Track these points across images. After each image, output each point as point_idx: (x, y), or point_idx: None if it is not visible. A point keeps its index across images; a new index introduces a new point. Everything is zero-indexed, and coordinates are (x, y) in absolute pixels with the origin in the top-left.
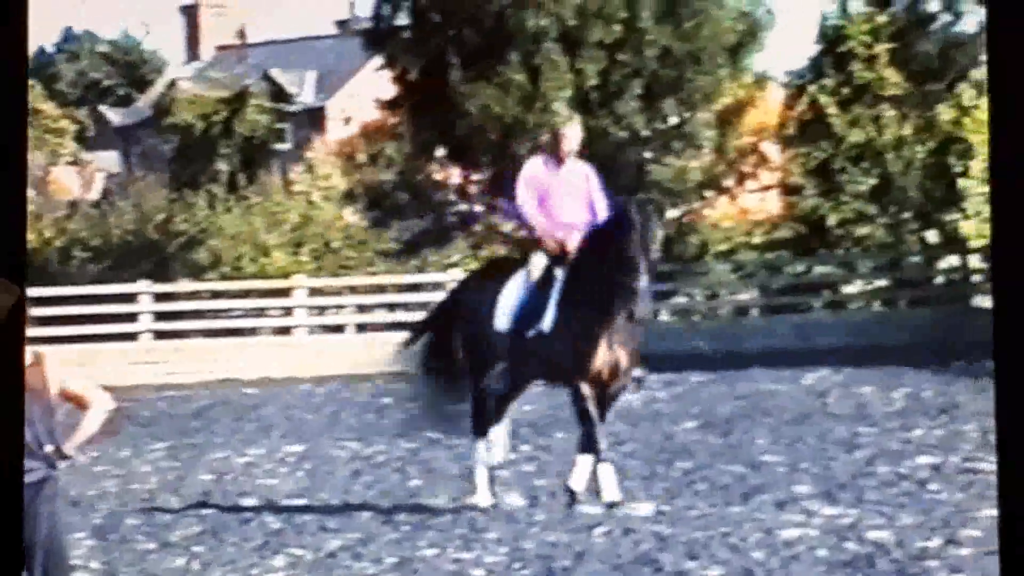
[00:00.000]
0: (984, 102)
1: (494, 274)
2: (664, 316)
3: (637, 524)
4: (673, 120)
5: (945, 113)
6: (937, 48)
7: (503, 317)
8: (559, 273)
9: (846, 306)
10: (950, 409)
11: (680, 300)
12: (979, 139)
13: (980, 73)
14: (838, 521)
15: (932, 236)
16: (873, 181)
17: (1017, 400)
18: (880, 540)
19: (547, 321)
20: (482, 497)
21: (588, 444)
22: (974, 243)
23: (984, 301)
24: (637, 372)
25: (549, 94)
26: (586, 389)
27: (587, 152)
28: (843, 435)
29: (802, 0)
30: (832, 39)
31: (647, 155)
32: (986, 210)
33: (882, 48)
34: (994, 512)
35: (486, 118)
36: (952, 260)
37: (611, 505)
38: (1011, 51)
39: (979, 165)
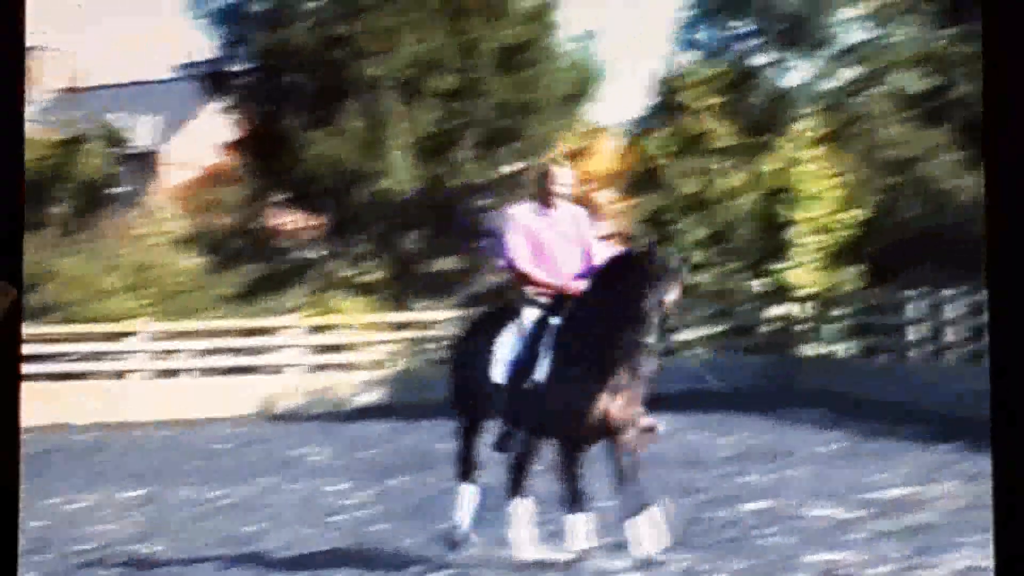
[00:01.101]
0: (808, 153)
1: (487, 325)
2: None
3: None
4: (508, 168)
5: (771, 164)
6: (764, 101)
7: (498, 369)
8: (554, 322)
9: (678, 353)
10: (780, 455)
11: None
12: (805, 189)
13: (804, 125)
14: (671, 566)
15: (760, 285)
16: (705, 230)
17: (1013, 401)
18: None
19: (541, 372)
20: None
21: (571, 502)
22: (800, 292)
23: (809, 349)
24: (646, 422)
25: (386, 142)
26: (576, 449)
27: (426, 199)
28: (676, 481)
29: (636, 52)
30: (663, 91)
31: (483, 203)
32: (811, 259)
33: (711, 101)
34: (821, 557)
35: (324, 165)
36: (779, 309)
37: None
38: (1006, 59)
39: (804, 215)
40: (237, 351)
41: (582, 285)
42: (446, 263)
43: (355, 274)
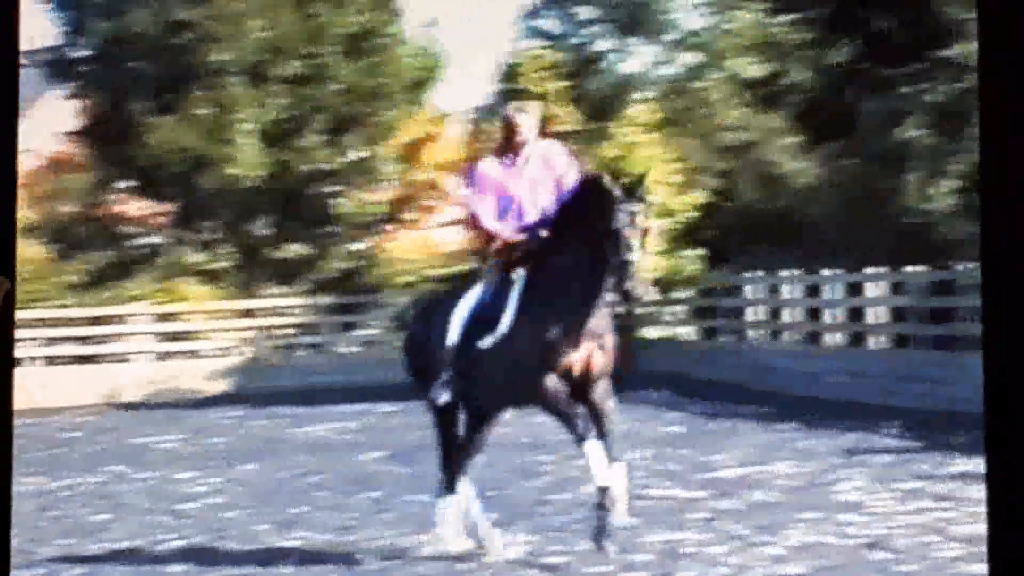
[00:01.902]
0: (647, 138)
1: (442, 304)
2: (351, 348)
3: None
4: (356, 154)
5: (609, 150)
6: (606, 86)
7: (454, 332)
8: (520, 274)
9: None
10: (623, 437)
11: (365, 332)
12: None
13: (643, 110)
14: (518, 548)
15: None
16: None
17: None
18: (558, 565)
19: (504, 324)
20: (450, 537)
21: (579, 434)
22: (645, 276)
23: (651, 332)
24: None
25: (233, 128)
26: (553, 382)
27: (274, 185)
28: (524, 463)
29: (481, 39)
30: (507, 78)
31: (331, 188)
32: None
33: (554, 86)
34: (663, 536)
35: (170, 151)
36: None
37: (603, 490)
38: (1000, 52)
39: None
40: (84, 340)
41: (548, 235)
42: (294, 249)
43: (203, 261)
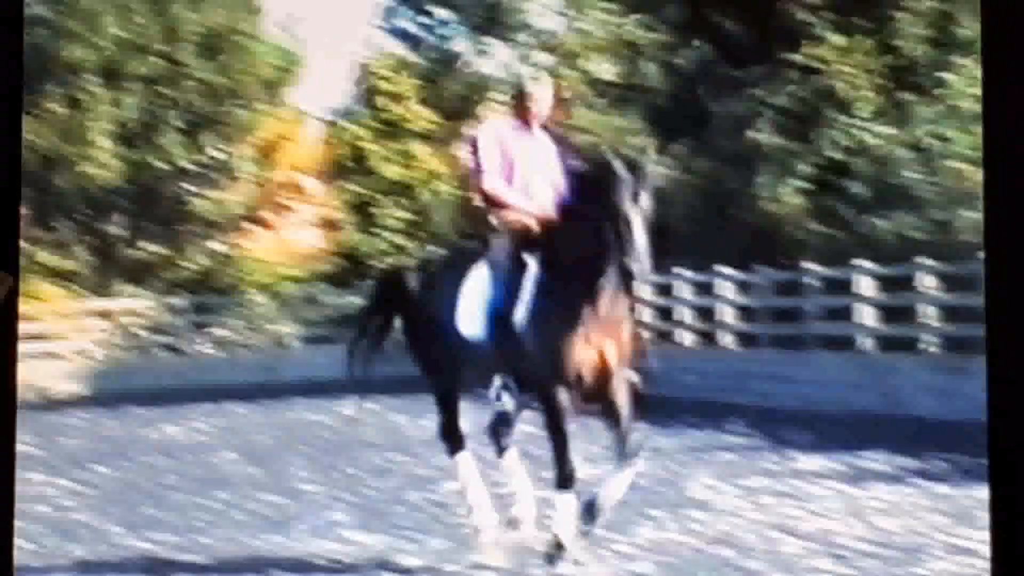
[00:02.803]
0: None
1: (451, 267)
2: (205, 348)
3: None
4: (213, 153)
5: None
6: (462, 86)
7: (470, 319)
8: (532, 260)
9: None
10: (475, 436)
11: (221, 332)
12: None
13: (499, 110)
14: (372, 547)
15: None
16: (407, 215)
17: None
18: (411, 566)
19: (519, 318)
20: (485, 519)
21: (563, 477)
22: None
23: None
24: (632, 373)
25: (88, 126)
26: (562, 398)
27: (130, 184)
28: (377, 463)
29: (339, 39)
30: (365, 77)
31: (188, 187)
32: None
33: (411, 86)
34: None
35: (24, 150)
36: None
37: (559, 546)
38: (1004, 54)
39: None
40: None
41: (557, 218)
42: (150, 249)
43: (57, 261)
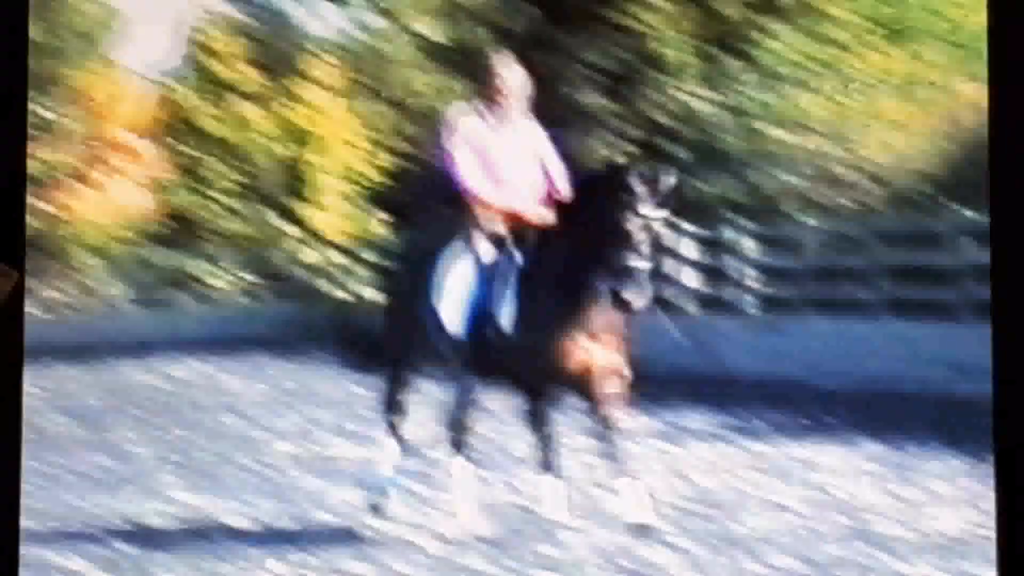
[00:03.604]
0: (336, 100)
1: (433, 257)
2: (32, 310)
3: None
4: (40, 112)
5: (299, 109)
6: (292, 47)
7: (453, 315)
8: (518, 254)
9: (214, 299)
10: (307, 398)
11: (49, 294)
12: (332, 137)
13: (331, 71)
14: (202, 509)
15: (292, 231)
16: (238, 177)
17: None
18: (241, 527)
19: (505, 316)
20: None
21: (546, 460)
22: (331, 238)
23: (341, 294)
24: (618, 379)
25: None
26: (540, 398)
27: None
28: (208, 425)
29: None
30: (193, 37)
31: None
32: (342, 205)
33: (240, 46)
34: (348, 496)
35: None
36: (312, 255)
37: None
38: (1013, 49)
39: (333, 161)
40: None
41: (546, 213)
42: None
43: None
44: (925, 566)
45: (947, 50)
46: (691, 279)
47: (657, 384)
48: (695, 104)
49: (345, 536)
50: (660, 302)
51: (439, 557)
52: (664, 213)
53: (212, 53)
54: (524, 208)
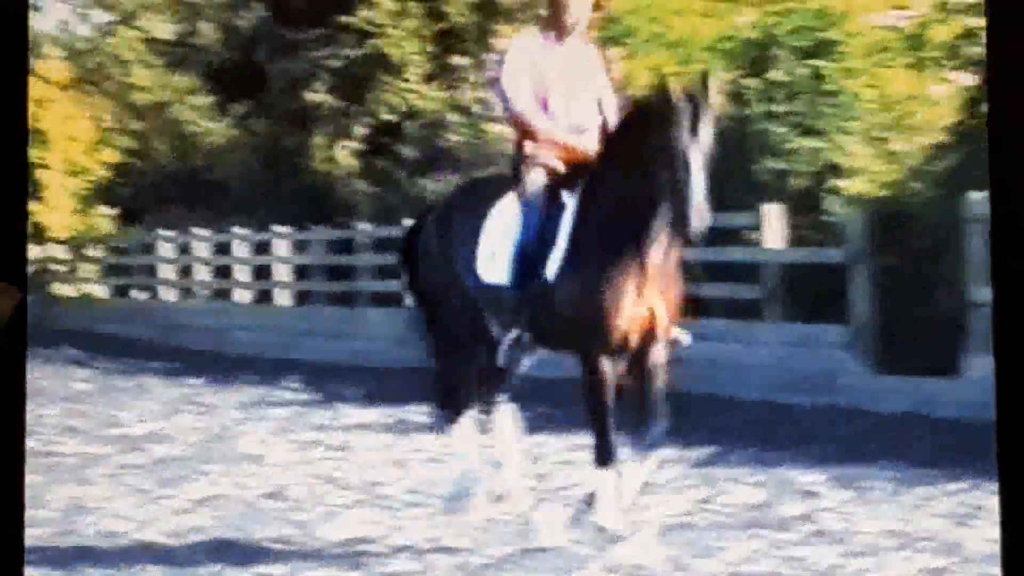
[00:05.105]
0: (60, 95)
1: (473, 200)
2: None
3: None
4: None
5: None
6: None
7: (491, 264)
8: (568, 198)
9: None
10: (34, 395)
11: None
12: (57, 131)
13: (55, 66)
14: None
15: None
16: None
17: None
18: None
19: (551, 266)
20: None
21: (602, 452)
22: (56, 234)
23: (66, 290)
24: (677, 332)
25: None
26: (605, 366)
27: None
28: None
29: None
30: None
31: None
32: (67, 201)
33: None
34: (68, 492)
35: None
36: (38, 250)
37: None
38: (1009, 51)
39: (57, 157)
40: None
41: (601, 150)
42: None
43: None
44: None
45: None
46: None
47: (385, 379)
48: (423, 103)
49: None
50: (386, 300)
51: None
52: (705, 118)
53: None
54: (581, 145)
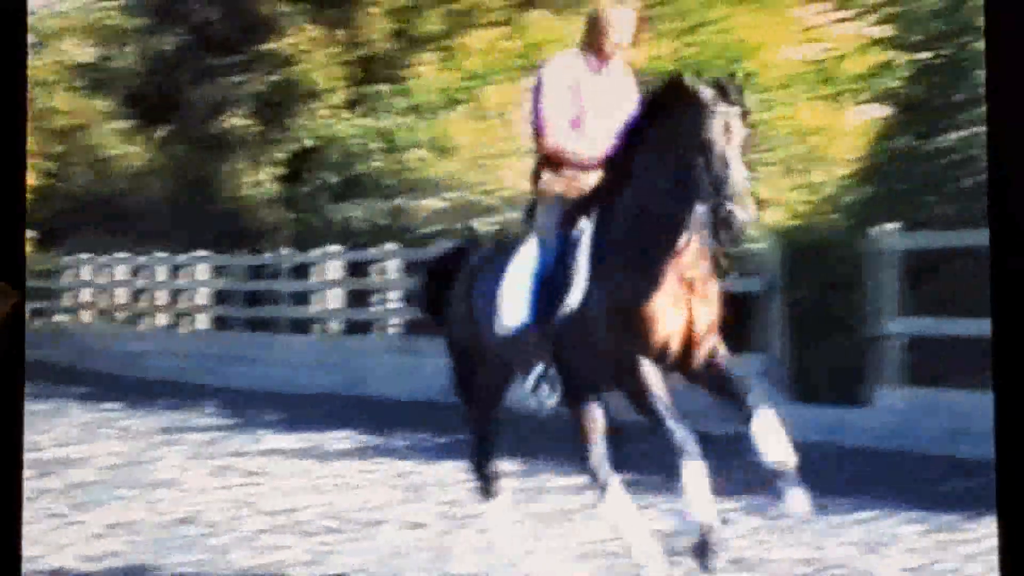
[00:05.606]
0: None
1: (496, 255)
2: None
3: None
4: None
5: None
6: None
7: (511, 310)
8: (585, 223)
9: None
10: None
11: None
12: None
13: None
14: None
15: None
16: None
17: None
18: None
19: (574, 295)
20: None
21: (680, 444)
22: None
23: None
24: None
25: None
26: (647, 374)
27: None
28: None
29: None
30: None
31: None
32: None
33: None
34: None
35: None
36: None
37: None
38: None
39: None
40: None
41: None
42: None
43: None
44: None
45: None
46: (336, 301)
47: (304, 405)
48: (344, 130)
49: None
50: (305, 325)
51: None
52: (736, 109)
53: None
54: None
